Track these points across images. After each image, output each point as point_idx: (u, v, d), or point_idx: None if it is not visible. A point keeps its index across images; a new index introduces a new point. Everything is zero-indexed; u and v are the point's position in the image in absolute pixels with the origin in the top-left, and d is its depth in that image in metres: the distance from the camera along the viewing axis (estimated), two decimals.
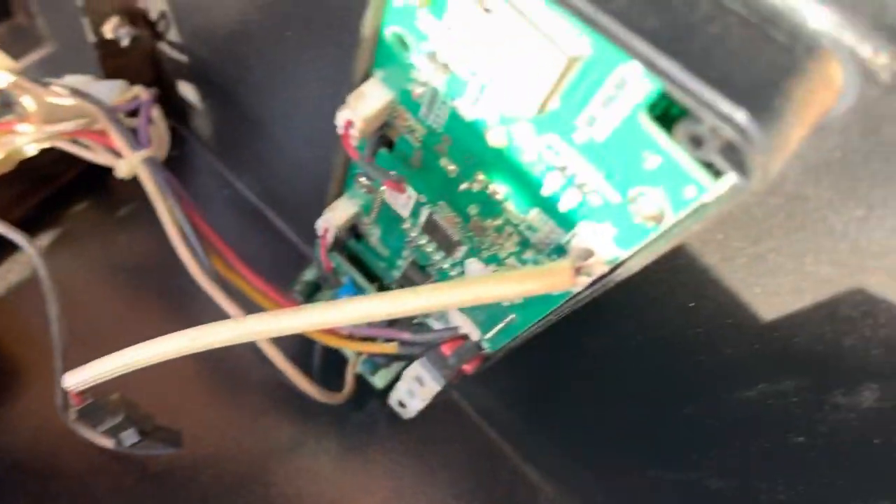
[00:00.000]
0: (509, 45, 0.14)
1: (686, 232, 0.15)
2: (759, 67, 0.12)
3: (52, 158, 0.34)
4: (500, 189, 0.19)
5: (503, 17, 0.14)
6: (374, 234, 0.27)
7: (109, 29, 0.32)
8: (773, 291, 0.17)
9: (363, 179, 0.24)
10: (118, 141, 0.28)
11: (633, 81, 0.13)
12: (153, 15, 0.33)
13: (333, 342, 0.29)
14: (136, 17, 0.33)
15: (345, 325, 0.26)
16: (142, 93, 0.31)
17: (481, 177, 0.19)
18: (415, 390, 0.29)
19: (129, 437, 0.24)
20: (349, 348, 0.29)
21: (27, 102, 0.30)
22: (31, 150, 0.32)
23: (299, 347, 0.37)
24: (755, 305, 0.18)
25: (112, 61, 0.34)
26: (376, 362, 0.32)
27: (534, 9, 0.14)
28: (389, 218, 0.25)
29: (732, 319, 0.19)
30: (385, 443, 0.39)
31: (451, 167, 0.20)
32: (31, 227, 0.39)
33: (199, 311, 0.39)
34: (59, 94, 0.30)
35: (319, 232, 0.27)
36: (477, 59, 0.16)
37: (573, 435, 0.35)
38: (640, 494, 0.33)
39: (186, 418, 0.36)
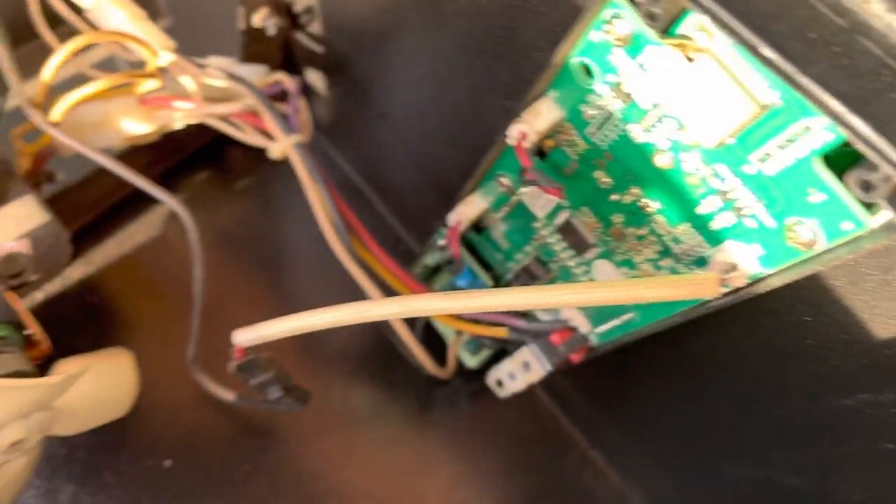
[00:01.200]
0: (704, 90, 0.17)
1: (834, 260, 0.17)
2: None
3: (184, 131, 0.37)
4: (653, 203, 0.22)
5: (705, 66, 0.17)
6: (498, 229, 0.30)
7: (259, 18, 0.35)
8: (893, 315, 0.20)
9: (504, 180, 0.27)
10: (272, 125, 0.31)
11: (816, 131, 0.16)
12: (297, 8, 0.36)
13: (446, 321, 0.32)
14: (280, 9, 0.36)
15: (498, 311, 0.28)
16: (284, 79, 0.34)
17: (636, 191, 0.22)
18: (518, 374, 0.32)
19: (274, 392, 0.28)
20: (462, 329, 0.31)
21: (186, 82, 0.33)
22: (181, 124, 0.35)
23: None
24: (872, 325, 0.21)
25: (252, 47, 0.37)
26: (480, 343, 0.35)
27: (734, 61, 0.16)
28: (521, 216, 0.28)
29: (847, 336, 0.22)
30: (463, 418, 0.42)
31: (606, 180, 0.23)
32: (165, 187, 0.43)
33: (301, 283, 0.43)
34: (213, 76, 0.33)
35: (451, 223, 0.30)
36: (665, 96, 0.18)
37: (647, 425, 0.38)
38: (709, 486, 0.35)
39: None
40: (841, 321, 0.21)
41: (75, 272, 0.40)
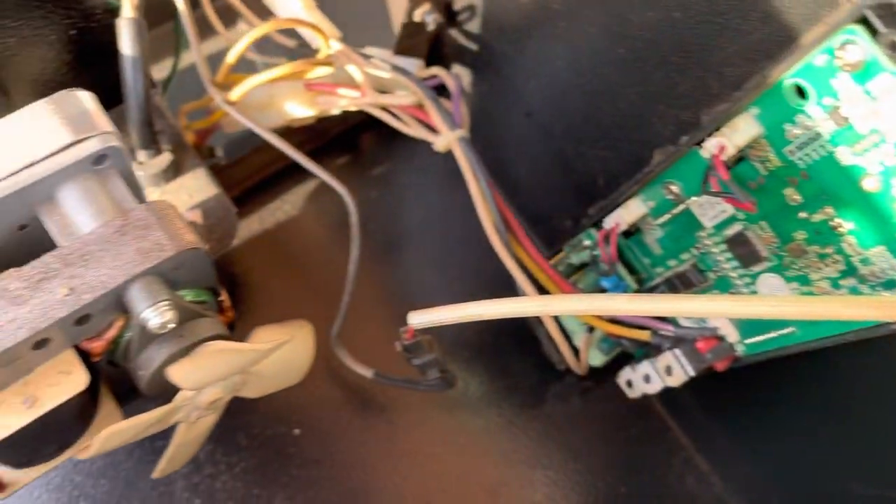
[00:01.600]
0: None
1: None
2: None
3: (327, 118, 0.39)
4: (847, 224, 0.22)
5: None
6: (654, 234, 0.31)
7: (421, 13, 0.36)
8: None
9: (674, 188, 0.28)
10: (437, 119, 0.32)
11: None
12: (458, 6, 0.37)
13: (590, 320, 0.33)
14: (441, 5, 0.37)
15: (682, 315, 0.29)
16: (442, 74, 0.36)
17: (829, 210, 0.23)
18: (654, 377, 0.33)
19: (433, 373, 0.29)
20: (605, 329, 0.32)
21: (353, 71, 0.34)
22: (338, 111, 0.37)
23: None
24: None
25: (405, 41, 0.39)
26: (615, 344, 0.36)
27: None
28: (683, 224, 0.29)
29: None
30: (574, 414, 0.43)
31: (796, 197, 0.23)
32: (298, 173, 0.45)
33: (430, 270, 0.44)
34: (377, 67, 0.35)
35: (609, 226, 0.31)
36: (892, 123, 0.19)
37: (768, 439, 0.39)
38: (826, 501, 0.36)
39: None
40: None
41: None
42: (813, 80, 0.21)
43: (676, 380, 0.31)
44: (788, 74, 0.21)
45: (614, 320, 0.32)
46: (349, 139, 0.46)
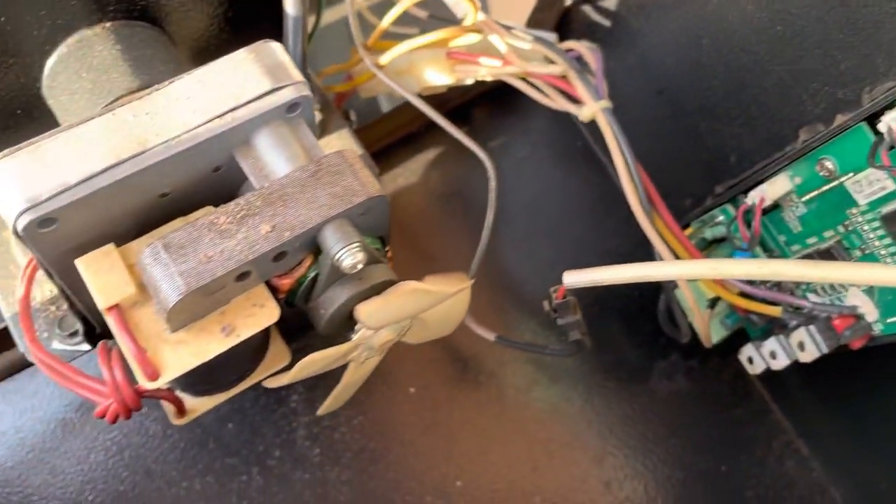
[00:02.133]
0: None
1: None
2: None
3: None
4: None
5: None
6: (795, 211, 0.31)
7: None
8: None
9: (828, 164, 0.28)
10: (582, 89, 0.33)
11: None
12: None
13: (719, 291, 0.33)
14: None
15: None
16: (580, 47, 0.36)
17: None
18: (781, 353, 0.33)
19: (575, 334, 0.30)
20: (736, 304, 0.33)
21: (496, 41, 0.35)
22: (472, 80, 0.38)
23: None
24: None
25: (538, 14, 0.40)
26: (742, 319, 0.37)
27: None
28: (833, 201, 0.29)
29: None
30: (678, 392, 0.43)
31: None
32: (416, 141, 0.46)
33: (546, 239, 0.45)
34: (519, 38, 0.36)
35: (752, 201, 0.31)
36: None
37: (869, 426, 0.39)
38: None
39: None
40: None
41: None
42: None
43: (809, 356, 0.32)
44: None
45: (744, 294, 0.33)
46: (463, 113, 0.47)
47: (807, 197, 0.30)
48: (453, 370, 0.41)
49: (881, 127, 0.24)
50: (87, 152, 0.23)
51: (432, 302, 0.24)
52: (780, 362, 0.33)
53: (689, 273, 0.25)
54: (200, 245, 0.22)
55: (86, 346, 0.29)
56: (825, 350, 0.31)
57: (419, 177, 0.45)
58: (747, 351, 0.36)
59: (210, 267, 0.22)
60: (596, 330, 0.44)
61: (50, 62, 0.29)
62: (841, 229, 0.30)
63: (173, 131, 0.24)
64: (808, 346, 0.31)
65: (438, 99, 0.44)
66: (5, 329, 0.35)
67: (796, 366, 0.41)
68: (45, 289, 0.31)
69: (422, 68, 0.37)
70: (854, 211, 0.28)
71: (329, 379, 0.40)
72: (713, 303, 0.36)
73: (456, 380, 0.41)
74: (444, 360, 0.42)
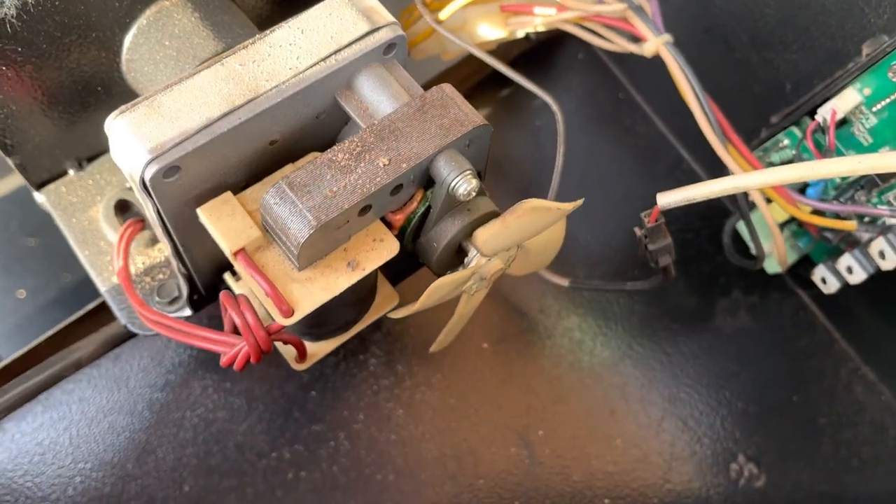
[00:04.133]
0: None
1: None
2: None
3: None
4: None
5: None
6: (865, 124, 0.32)
7: None
8: None
9: None
10: (642, 26, 0.34)
11: None
12: None
13: (792, 211, 0.34)
14: None
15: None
16: None
17: None
18: (857, 267, 0.34)
19: (665, 259, 0.31)
20: (808, 221, 0.34)
21: None
22: (523, 32, 0.38)
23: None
24: None
25: None
26: (811, 240, 0.37)
27: None
28: None
29: None
30: (743, 329, 0.44)
31: None
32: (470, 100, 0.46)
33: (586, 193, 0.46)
34: None
35: (822, 118, 0.32)
36: None
37: None
38: None
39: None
40: None
41: None
42: None
43: (890, 264, 0.32)
44: None
45: (818, 212, 0.34)
46: (503, 76, 0.48)
47: (877, 107, 0.31)
48: (523, 323, 0.42)
49: None
50: (203, 101, 0.23)
51: (547, 221, 0.25)
52: (858, 276, 0.34)
53: (784, 177, 0.26)
54: (324, 182, 0.23)
55: (188, 311, 0.30)
56: None
57: None
58: (820, 272, 0.36)
59: (336, 201, 0.22)
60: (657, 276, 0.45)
61: (129, 36, 0.30)
62: None
63: (282, 76, 0.24)
64: (888, 254, 0.32)
65: (480, 63, 0.45)
66: (92, 311, 0.36)
67: (858, 290, 0.42)
68: (136, 261, 0.31)
69: (475, 24, 0.37)
70: None
71: (404, 339, 0.41)
72: (781, 228, 0.37)
73: (527, 332, 0.42)
74: (514, 314, 0.42)
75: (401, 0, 0.38)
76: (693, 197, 0.28)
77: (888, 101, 0.30)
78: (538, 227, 0.25)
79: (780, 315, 0.45)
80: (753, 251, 0.37)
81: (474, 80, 0.48)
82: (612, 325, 0.43)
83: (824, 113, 0.32)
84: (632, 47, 0.34)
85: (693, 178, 0.46)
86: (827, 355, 0.44)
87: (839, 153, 0.34)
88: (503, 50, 0.45)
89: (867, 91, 0.31)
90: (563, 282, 0.38)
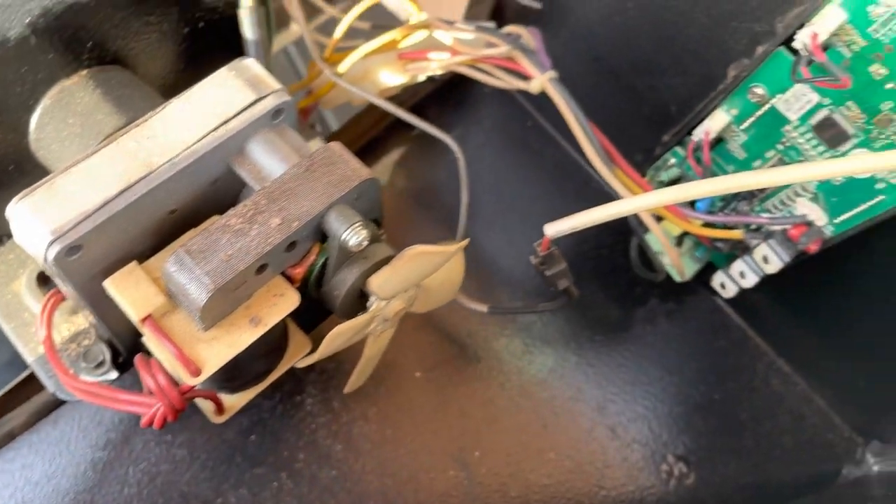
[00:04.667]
0: None
1: None
2: None
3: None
4: None
5: None
6: (737, 141, 0.34)
7: None
8: None
9: (758, 90, 0.32)
10: (528, 64, 0.36)
11: None
12: None
13: (684, 226, 0.36)
14: None
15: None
16: (519, 30, 0.39)
17: None
18: (748, 271, 0.37)
19: (563, 283, 0.33)
20: (698, 234, 0.36)
21: (442, 35, 0.38)
22: (424, 77, 0.41)
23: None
24: None
25: (473, 8, 0.43)
26: (708, 249, 0.40)
27: None
28: (768, 123, 0.32)
29: None
30: (661, 334, 0.46)
31: (882, 71, 0.27)
32: (378, 146, 0.49)
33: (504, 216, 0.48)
34: (461, 30, 0.39)
35: (698, 138, 0.34)
36: None
37: (843, 327, 0.42)
38: None
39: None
40: None
41: None
42: None
43: (773, 267, 0.35)
44: None
45: (708, 224, 0.36)
46: (418, 112, 0.49)
47: (744, 125, 0.33)
48: (453, 349, 0.44)
49: (796, 45, 0.28)
50: (100, 180, 0.25)
51: (436, 264, 0.27)
52: (750, 280, 0.37)
53: (657, 202, 0.28)
54: (219, 246, 0.24)
55: (114, 374, 0.31)
56: (787, 259, 0.34)
57: (387, 178, 0.48)
58: (718, 278, 0.39)
59: (232, 264, 0.24)
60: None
61: (35, 116, 0.31)
62: (780, 147, 0.33)
63: (175, 150, 0.26)
64: (771, 258, 0.35)
65: (394, 102, 0.47)
66: (23, 381, 0.37)
67: (764, 288, 0.44)
68: (61, 329, 0.32)
69: (376, 72, 0.39)
70: (788, 128, 0.32)
71: (339, 377, 0.43)
72: (679, 240, 0.39)
73: (457, 358, 0.44)
74: (443, 341, 0.44)
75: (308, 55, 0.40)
76: (577, 225, 0.30)
77: (752, 119, 0.33)
78: (429, 269, 0.27)
79: (696, 318, 0.47)
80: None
81: (393, 116, 0.50)
82: (538, 343, 0.45)
83: (699, 134, 0.34)
84: (521, 85, 0.37)
85: (602, 196, 0.48)
86: (743, 353, 0.47)
87: (720, 168, 0.36)
88: (412, 90, 0.47)
89: (734, 111, 0.33)
90: (483, 308, 0.39)
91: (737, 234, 0.35)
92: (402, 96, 0.46)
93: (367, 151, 0.48)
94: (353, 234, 0.26)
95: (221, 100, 0.27)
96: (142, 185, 0.25)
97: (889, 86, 0.27)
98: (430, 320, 0.44)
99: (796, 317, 0.45)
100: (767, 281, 0.38)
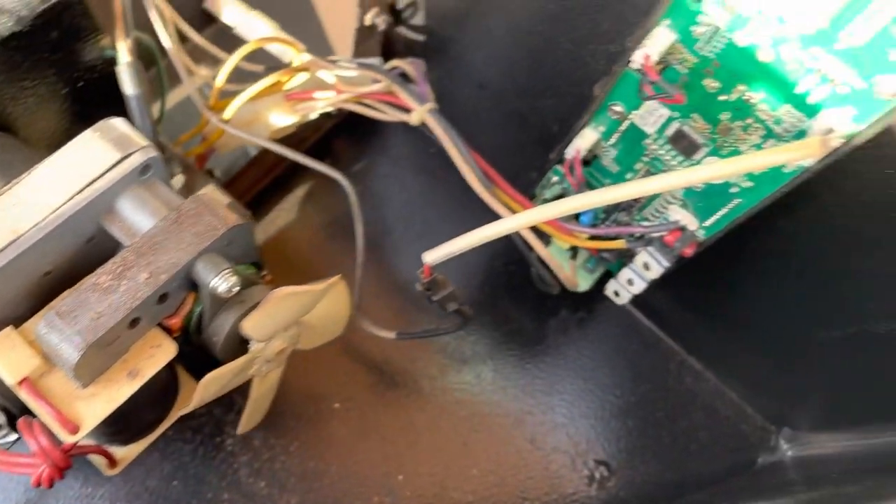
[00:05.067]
0: None
1: None
2: None
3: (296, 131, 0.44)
4: (756, 95, 0.28)
5: None
6: (609, 155, 0.36)
7: (370, 16, 0.42)
8: None
9: (617, 108, 0.33)
10: (407, 98, 0.37)
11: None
12: (401, 4, 0.42)
13: (569, 241, 0.38)
14: (385, 6, 0.43)
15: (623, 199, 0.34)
16: (402, 64, 0.41)
17: (741, 87, 0.28)
18: (636, 279, 0.38)
19: (452, 305, 0.34)
20: (584, 247, 0.38)
21: (325, 75, 0.39)
22: (315, 115, 0.42)
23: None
24: None
25: (361, 45, 0.44)
26: (598, 259, 0.41)
27: None
28: (631, 138, 0.34)
29: None
30: (574, 343, 0.48)
31: (714, 84, 0.29)
32: (286, 184, 0.49)
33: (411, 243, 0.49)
34: (345, 68, 0.40)
35: (570, 156, 0.36)
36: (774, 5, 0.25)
37: (740, 319, 0.44)
38: (807, 358, 0.41)
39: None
40: None
41: None
42: None
43: (654, 273, 0.36)
44: None
45: (594, 237, 0.38)
46: (324, 146, 0.51)
47: (612, 141, 0.35)
48: (370, 377, 0.45)
49: (633, 66, 0.29)
50: None
51: (307, 302, 0.28)
52: (638, 286, 0.38)
53: (523, 222, 0.29)
54: (89, 305, 0.25)
55: (13, 436, 0.32)
56: (666, 264, 0.36)
57: (295, 213, 0.49)
58: (611, 286, 0.40)
59: (102, 321, 0.25)
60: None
61: None
62: (645, 159, 0.35)
63: (41, 214, 0.26)
64: (651, 264, 0.36)
65: (297, 138, 0.48)
66: None
67: (665, 290, 0.46)
68: None
69: (266, 114, 0.40)
70: (648, 141, 0.33)
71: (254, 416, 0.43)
72: (574, 253, 0.41)
73: (374, 385, 0.45)
74: (360, 370, 0.45)
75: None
76: (455, 251, 0.31)
77: (618, 135, 0.35)
78: (302, 308, 0.28)
79: (607, 325, 0.49)
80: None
81: (302, 147, 0.51)
82: (454, 363, 0.46)
83: (571, 152, 0.36)
84: (403, 117, 0.38)
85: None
86: (655, 354, 0.48)
87: (599, 182, 0.38)
88: (315, 126, 0.48)
89: (601, 128, 0.35)
90: (391, 335, 0.40)
91: (620, 243, 0.37)
92: (305, 132, 0.47)
93: (274, 190, 0.49)
94: (223, 282, 0.26)
95: (86, 161, 0.27)
96: (9, 251, 0.26)
97: (722, 97, 0.29)
98: (347, 350, 0.45)
99: (696, 316, 0.47)
100: (665, 284, 0.40)
